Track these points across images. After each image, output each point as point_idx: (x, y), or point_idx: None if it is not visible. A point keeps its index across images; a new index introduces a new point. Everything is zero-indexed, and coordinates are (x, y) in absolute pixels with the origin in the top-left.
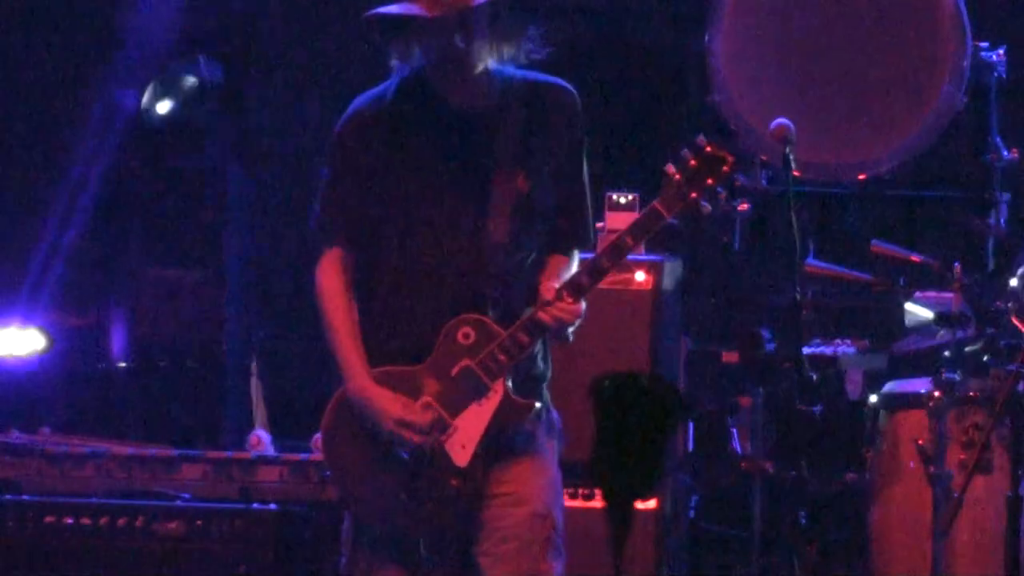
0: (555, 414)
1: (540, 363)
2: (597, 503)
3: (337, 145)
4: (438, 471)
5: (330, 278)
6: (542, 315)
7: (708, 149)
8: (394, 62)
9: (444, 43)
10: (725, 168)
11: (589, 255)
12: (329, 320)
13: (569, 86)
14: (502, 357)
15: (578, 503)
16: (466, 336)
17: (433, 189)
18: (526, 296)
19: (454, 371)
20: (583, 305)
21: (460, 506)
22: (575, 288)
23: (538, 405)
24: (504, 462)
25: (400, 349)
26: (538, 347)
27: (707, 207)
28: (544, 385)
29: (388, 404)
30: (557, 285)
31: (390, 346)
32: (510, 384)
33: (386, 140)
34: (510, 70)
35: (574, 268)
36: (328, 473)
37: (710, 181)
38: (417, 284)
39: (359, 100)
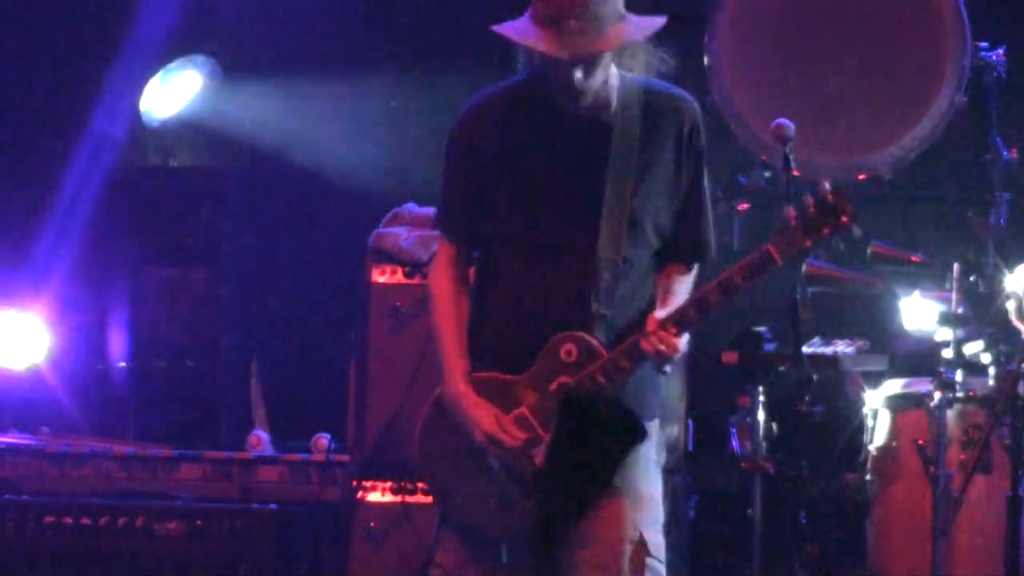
0: (663, 429)
1: (648, 391)
2: None
3: (452, 142)
4: (527, 482)
5: (441, 278)
6: (644, 344)
7: (829, 198)
8: (521, 63)
9: (564, 76)
10: (844, 219)
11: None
12: (436, 321)
13: (689, 96)
14: (601, 379)
15: None
16: (568, 353)
17: (543, 196)
18: (640, 313)
19: (553, 386)
20: (685, 339)
21: (545, 512)
22: (681, 322)
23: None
24: (601, 487)
25: (504, 357)
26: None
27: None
28: (655, 406)
29: (481, 415)
30: (663, 316)
31: (495, 352)
32: None
33: (500, 140)
34: (631, 78)
35: (690, 282)
36: (421, 470)
37: (827, 231)
38: (525, 293)
39: (476, 97)
